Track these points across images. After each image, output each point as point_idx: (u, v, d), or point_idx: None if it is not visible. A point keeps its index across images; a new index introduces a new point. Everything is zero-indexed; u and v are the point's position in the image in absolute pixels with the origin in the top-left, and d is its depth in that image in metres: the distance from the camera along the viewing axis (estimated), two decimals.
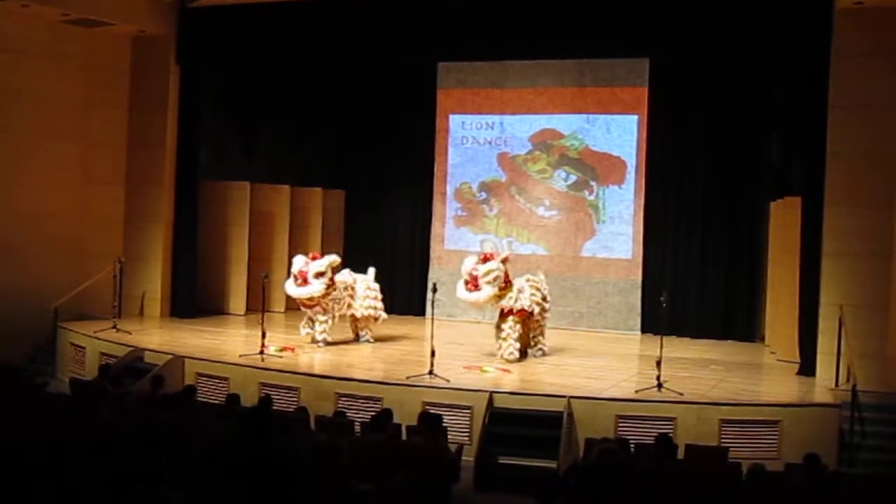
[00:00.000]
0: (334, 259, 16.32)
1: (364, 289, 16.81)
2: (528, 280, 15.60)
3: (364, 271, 17.34)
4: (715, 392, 13.50)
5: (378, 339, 17.42)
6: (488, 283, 14.76)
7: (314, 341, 16.19)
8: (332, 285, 16.06)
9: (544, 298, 15.80)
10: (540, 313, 15.68)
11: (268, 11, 18.48)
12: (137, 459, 6.55)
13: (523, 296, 15.17)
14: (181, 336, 17.09)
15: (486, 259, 15.02)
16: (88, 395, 10.74)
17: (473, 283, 14.85)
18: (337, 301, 16.29)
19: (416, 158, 21.71)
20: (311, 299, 15.91)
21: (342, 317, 16.67)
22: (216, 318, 19.62)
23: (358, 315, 16.79)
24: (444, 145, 21.61)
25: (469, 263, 15.09)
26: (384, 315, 17.20)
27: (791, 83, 16.92)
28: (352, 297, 16.60)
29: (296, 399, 13.47)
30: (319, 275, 15.78)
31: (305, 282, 15.76)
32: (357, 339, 16.98)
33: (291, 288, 15.94)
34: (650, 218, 19.95)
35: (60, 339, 17.15)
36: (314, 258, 16.05)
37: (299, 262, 16.03)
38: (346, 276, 16.72)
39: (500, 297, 15.02)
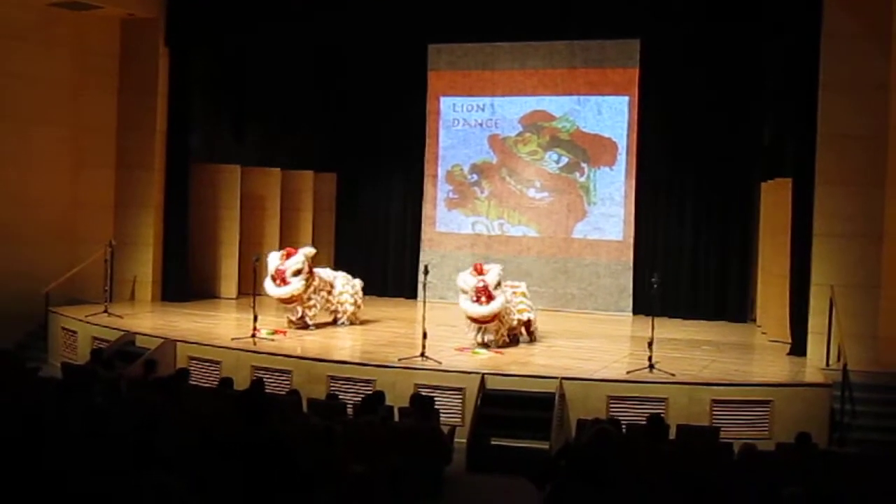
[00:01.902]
0: (310, 251, 16.32)
1: (342, 284, 16.91)
2: (512, 289, 15.50)
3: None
4: (706, 372, 13.56)
5: (370, 322, 17.47)
6: (497, 289, 14.61)
7: (304, 326, 16.17)
8: (311, 277, 16.07)
9: (524, 308, 15.67)
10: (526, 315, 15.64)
11: None
12: (130, 443, 6.55)
13: (507, 291, 15.10)
14: (173, 320, 17.08)
15: (481, 269, 14.81)
16: (80, 379, 10.74)
17: (487, 295, 14.52)
18: (317, 291, 16.31)
19: (408, 141, 21.66)
20: (291, 298, 15.92)
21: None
22: (207, 301, 19.60)
23: (333, 308, 16.83)
24: (436, 127, 21.56)
25: (469, 278, 14.73)
26: (360, 310, 17.28)
27: (782, 64, 16.91)
28: (329, 292, 16.66)
29: (288, 382, 13.48)
30: (297, 273, 15.77)
31: (284, 281, 15.74)
32: (335, 322, 16.95)
33: (271, 288, 15.90)
34: (641, 199, 19.96)
35: (52, 324, 17.12)
36: (289, 255, 15.99)
37: (274, 260, 16.00)
38: (327, 273, 16.74)
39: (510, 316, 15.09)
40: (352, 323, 16.94)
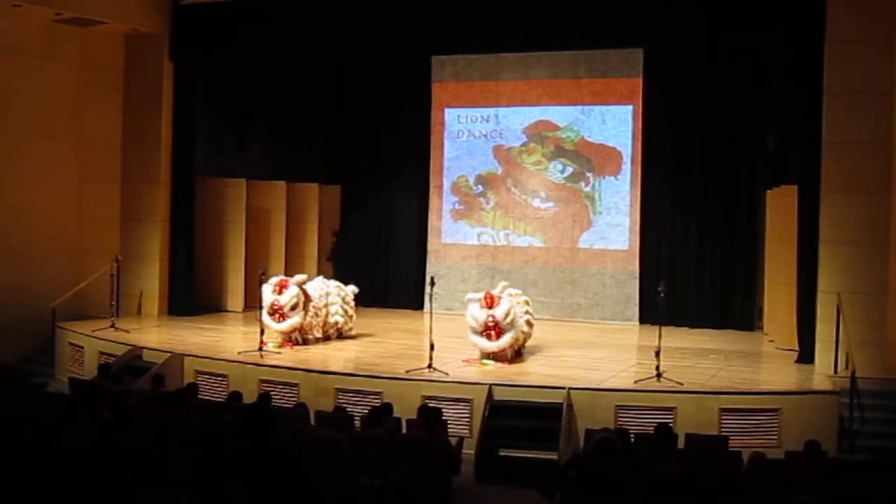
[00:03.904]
0: (302, 279, 16.20)
1: (336, 295, 16.71)
2: (513, 295, 15.23)
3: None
4: (714, 381, 13.52)
5: (377, 334, 17.46)
6: (510, 325, 14.35)
7: (297, 343, 16.01)
8: (308, 302, 15.93)
9: (529, 319, 15.44)
10: (527, 328, 15.41)
11: (261, 7, 18.44)
12: (138, 458, 6.55)
13: (518, 317, 14.76)
14: (180, 334, 17.07)
15: (492, 301, 14.41)
16: (88, 394, 10.73)
17: (496, 331, 14.29)
18: (317, 314, 16.20)
19: (412, 153, 21.69)
20: (292, 330, 15.82)
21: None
22: (214, 315, 19.60)
23: (331, 321, 16.63)
24: (440, 139, 21.59)
25: (478, 311, 14.39)
26: (351, 326, 17.08)
27: (786, 71, 16.90)
28: (327, 305, 16.47)
29: (295, 395, 13.47)
30: (294, 307, 15.64)
31: (283, 317, 15.65)
32: (327, 338, 16.66)
33: (271, 323, 15.65)
34: (647, 208, 19.95)
35: (59, 339, 17.11)
36: (282, 288, 15.74)
37: (269, 295, 15.67)
38: (319, 284, 16.60)
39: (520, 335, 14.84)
40: (341, 336, 16.81)
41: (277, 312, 15.58)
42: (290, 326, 15.70)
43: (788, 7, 15.30)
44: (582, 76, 20.40)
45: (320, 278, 17.06)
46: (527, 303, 15.56)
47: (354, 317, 17.19)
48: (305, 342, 16.03)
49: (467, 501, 10.67)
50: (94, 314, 17.86)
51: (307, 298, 15.94)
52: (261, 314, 15.72)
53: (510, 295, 14.95)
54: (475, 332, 14.47)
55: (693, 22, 17.37)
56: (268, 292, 15.72)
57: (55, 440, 7.17)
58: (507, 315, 14.34)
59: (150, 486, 6.04)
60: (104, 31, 18.79)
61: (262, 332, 15.00)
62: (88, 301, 18.28)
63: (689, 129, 19.50)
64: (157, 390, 11.76)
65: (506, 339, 14.38)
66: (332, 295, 16.63)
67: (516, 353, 15.06)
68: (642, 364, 14.55)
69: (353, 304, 17.09)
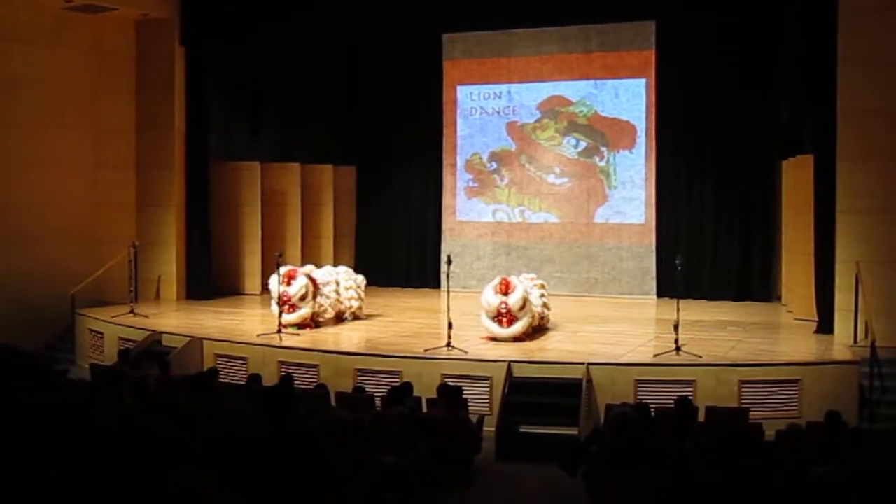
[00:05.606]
0: (310, 269, 16.26)
1: (346, 279, 16.71)
2: (531, 280, 15.35)
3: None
4: (733, 353, 13.50)
5: (394, 314, 17.49)
6: (522, 311, 14.34)
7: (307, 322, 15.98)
8: (315, 292, 15.88)
9: (545, 305, 15.50)
10: (543, 312, 15.45)
11: None
12: (160, 441, 6.58)
13: (534, 302, 14.82)
14: (198, 318, 17.13)
15: (507, 287, 14.40)
16: (109, 380, 10.78)
17: (508, 319, 14.29)
18: (327, 297, 16.16)
19: (426, 131, 21.66)
20: (303, 321, 15.78)
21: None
22: (232, 298, 19.66)
23: (346, 305, 16.65)
24: (453, 117, 21.56)
25: (492, 297, 14.40)
26: (363, 304, 17.06)
27: (799, 40, 16.79)
28: (337, 291, 16.44)
29: (315, 376, 13.50)
30: (303, 297, 15.65)
31: (292, 307, 15.60)
32: (339, 320, 16.59)
33: (282, 315, 15.59)
34: (662, 181, 19.90)
35: (79, 326, 17.20)
36: (290, 278, 15.69)
37: (275, 284, 15.56)
38: (328, 271, 16.61)
39: (533, 320, 14.78)
40: (356, 318, 16.80)
41: (287, 304, 15.54)
42: (301, 318, 15.63)
43: None
44: (594, 50, 20.31)
45: (328, 266, 17.07)
46: (542, 286, 15.56)
47: (364, 300, 17.16)
48: (317, 325, 16.01)
49: (489, 479, 10.70)
50: (112, 300, 17.96)
51: (315, 287, 15.93)
52: (271, 305, 15.73)
53: (527, 279, 14.99)
54: (488, 316, 14.49)
55: None
56: (275, 283, 15.68)
57: (78, 426, 7.21)
58: (520, 303, 14.33)
59: (172, 469, 6.08)
60: (115, 17, 18.79)
61: (280, 314, 15.03)
62: (107, 287, 18.37)
63: (703, 101, 19.42)
64: (166, 375, 11.81)
65: (517, 327, 14.36)
66: (345, 280, 16.64)
67: (535, 330, 15.04)
68: (661, 338, 14.51)
69: (363, 288, 17.11)
